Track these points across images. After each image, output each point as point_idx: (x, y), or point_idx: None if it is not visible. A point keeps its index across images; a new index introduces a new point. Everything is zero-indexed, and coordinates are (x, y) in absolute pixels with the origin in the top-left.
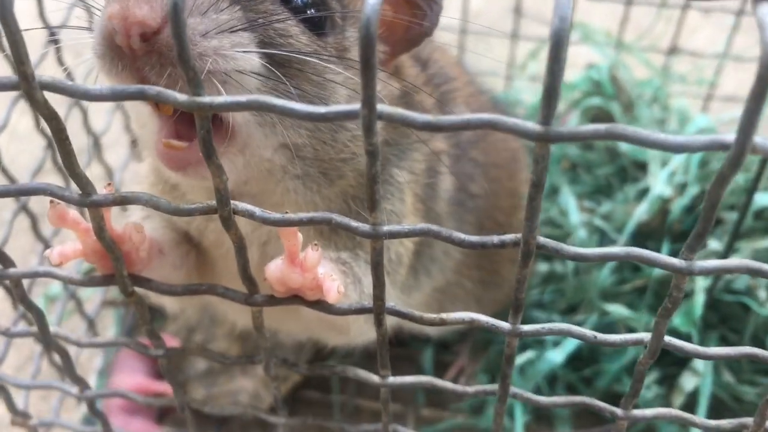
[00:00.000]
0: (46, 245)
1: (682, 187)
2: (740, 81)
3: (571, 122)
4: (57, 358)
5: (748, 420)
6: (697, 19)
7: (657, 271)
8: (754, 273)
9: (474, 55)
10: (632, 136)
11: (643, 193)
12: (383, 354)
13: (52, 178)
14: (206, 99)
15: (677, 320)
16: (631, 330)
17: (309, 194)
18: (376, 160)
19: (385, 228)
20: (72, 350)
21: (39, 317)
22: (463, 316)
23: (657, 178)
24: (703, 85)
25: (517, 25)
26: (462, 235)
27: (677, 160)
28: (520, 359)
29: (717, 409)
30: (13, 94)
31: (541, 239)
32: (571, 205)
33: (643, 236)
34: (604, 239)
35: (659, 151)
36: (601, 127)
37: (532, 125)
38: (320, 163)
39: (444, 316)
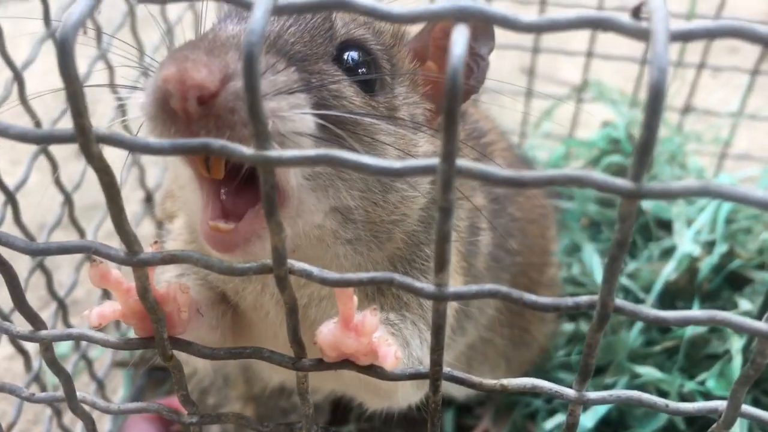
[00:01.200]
0: (60, 303)
1: (709, 246)
2: (754, 139)
3: None
4: (66, 420)
5: None
6: (710, 80)
7: (689, 332)
8: None
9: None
10: (729, 193)
11: (668, 251)
12: (435, 423)
13: (64, 233)
14: (274, 153)
15: (711, 383)
16: (663, 393)
17: (358, 258)
18: (450, 218)
19: (452, 289)
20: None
21: (67, 382)
22: (525, 382)
23: (683, 236)
24: (719, 143)
25: (531, 83)
26: (533, 297)
27: (703, 218)
28: (550, 424)
29: None
30: (33, 148)
31: (619, 302)
32: (595, 263)
33: (670, 295)
34: (629, 298)
35: (684, 209)
36: (694, 183)
37: (623, 182)
38: (371, 226)
39: (505, 382)
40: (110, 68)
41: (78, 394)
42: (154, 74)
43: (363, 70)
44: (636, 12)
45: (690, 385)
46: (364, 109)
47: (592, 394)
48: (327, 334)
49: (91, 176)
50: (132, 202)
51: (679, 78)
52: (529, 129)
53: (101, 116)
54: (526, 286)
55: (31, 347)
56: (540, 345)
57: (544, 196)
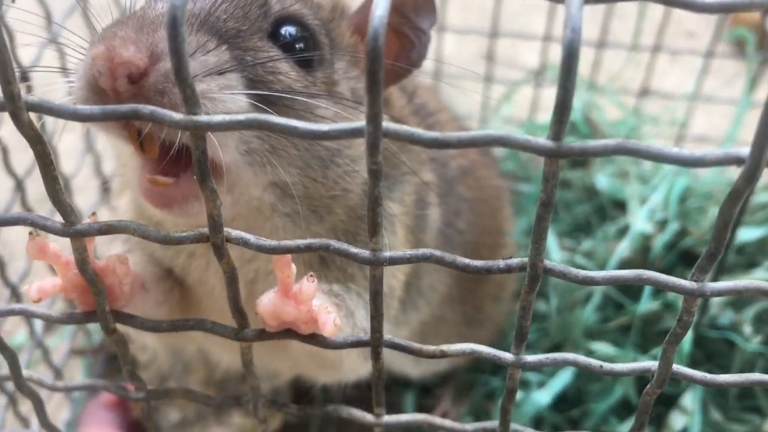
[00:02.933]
0: (13, 290)
1: (662, 224)
2: (710, 122)
3: None
4: (23, 409)
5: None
6: (666, 63)
7: (641, 309)
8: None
9: (448, 98)
10: (645, 150)
11: (623, 230)
12: (379, 391)
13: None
14: (203, 118)
15: None
16: None
17: (298, 231)
18: (379, 180)
19: (387, 254)
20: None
21: (12, 359)
22: (464, 347)
23: (637, 215)
24: (675, 125)
25: (490, 68)
26: (466, 260)
27: (656, 197)
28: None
29: None
30: None
31: (548, 263)
32: (551, 244)
33: None
34: None
35: (637, 189)
36: (611, 142)
37: (544, 141)
38: (310, 201)
39: (444, 348)
40: (61, 54)
41: (24, 372)
42: (83, 56)
43: (300, 45)
44: None
45: (643, 359)
46: (301, 84)
47: (530, 358)
48: (267, 303)
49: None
50: (89, 190)
51: (635, 62)
52: (489, 114)
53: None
54: None
55: None
56: (494, 324)
57: (497, 177)
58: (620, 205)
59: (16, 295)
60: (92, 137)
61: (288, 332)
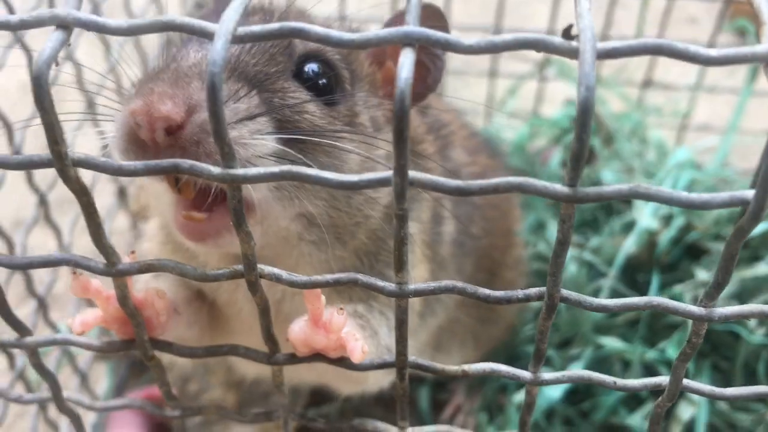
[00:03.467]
0: (40, 301)
1: (667, 220)
2: (712, 111)
3: (554, 157)
4: (52, 414)
5: None
6: None
7: None
8: None
9: (453, 93)
10: (655, 195)
11: (629, 226)
12: (403, 406)
13: (40, 230)
14: (240, 171)
15: (670, 350)
16: (626, 362)
17: (323, 256)
18: (405, 223)
19: (412, 287)
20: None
21: (53, 384)
22: (484, 367)
23: (643, 211)
24: (678, 116)
25: (494, 62)
26: (487, 291)
27: None
28: (519, 396)
29: None
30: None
31: (565, 292)
32: None
33: (632, 268)
34: (593, 272)
35: (643, 183)
36: (624, 187)
37: (561, 188)
38: (335, 229)
39: (465, 368)
40: (77, 66)
41: (64, 393)
42: (121, 108)
43: (323, 81)
44: (567, 32)
45: (651, 354)
46: (325, 120)
47: (547, 375)
48: (298, 331)
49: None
50: (106, 194)
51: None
52: (494, 108)
53: (69, 110)
54: (490, 268)
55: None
56: (507, 321)
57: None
58: (627, 201)
59: (43, 306)
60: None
61: (317, 356)
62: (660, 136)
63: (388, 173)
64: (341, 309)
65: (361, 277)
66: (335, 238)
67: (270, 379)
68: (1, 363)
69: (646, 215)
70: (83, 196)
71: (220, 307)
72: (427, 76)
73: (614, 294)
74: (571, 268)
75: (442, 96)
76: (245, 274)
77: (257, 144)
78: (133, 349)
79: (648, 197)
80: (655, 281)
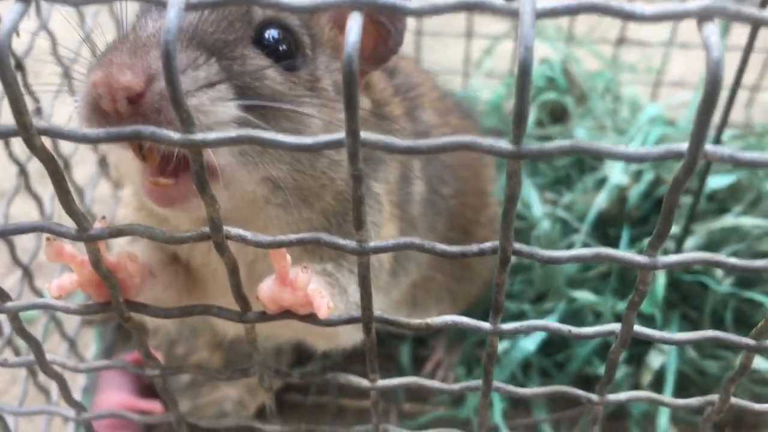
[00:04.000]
0: (25, 270)
1: (637, 175)
2: (687, 66)
3: (529, 116)
4: (42, 379)
5: (714, 397)
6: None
7: None
8: (713, 264)
9: (430, 54)
10: (595, 149)
11: (601, 182)
12: (372, 359)
13: (22, 200)
14: (199, 136)
15: (644, 306)
16: (599, 314)
17: (290, 218)
18: (361, 183)
19: (371, 244)
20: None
21: (37, 348)
22: (446, 319)
23: (613, 167)
24: (652, 72)
25: (470, 23)
26: (444, 246)
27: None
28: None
29: (683, 384)
30: None
31: (517, 245)
32: (533, 198)
33: (604, 223)
34: (566, 229)
35: (614, 141)
36: (566, 143)
37: (506, 145)
38: (300, 192)
39: (429, 321)
40: (52, 37)
41: (48, 356)
42: (84, 79)
43: (283, 47)
44: None
45: (622, 306)
46: (286, 86)
47: (506, 326)
48: (266, 290)
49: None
50: (88, 163)
51: None
52: (471, 68)
53: (47, 78)
54: (464, 226)
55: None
56: (483, 279)
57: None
58: (599, 158)
59: (28, 274)
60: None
61: (287, 313)
62: (634, 92)
63: (341, 135)
64: (305, 267)
65: (324, 236)
66: (301, 200)
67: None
68: None
69: (616, 171)
70: (50, 163)
71: (195, 270)
72: (388, 39)
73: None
74: (544, 225)
75: (414, 59)
76: (212, 236)
77: (218, 111)
78: (110, 311)
79: (588, 152)
80: (625, 235)
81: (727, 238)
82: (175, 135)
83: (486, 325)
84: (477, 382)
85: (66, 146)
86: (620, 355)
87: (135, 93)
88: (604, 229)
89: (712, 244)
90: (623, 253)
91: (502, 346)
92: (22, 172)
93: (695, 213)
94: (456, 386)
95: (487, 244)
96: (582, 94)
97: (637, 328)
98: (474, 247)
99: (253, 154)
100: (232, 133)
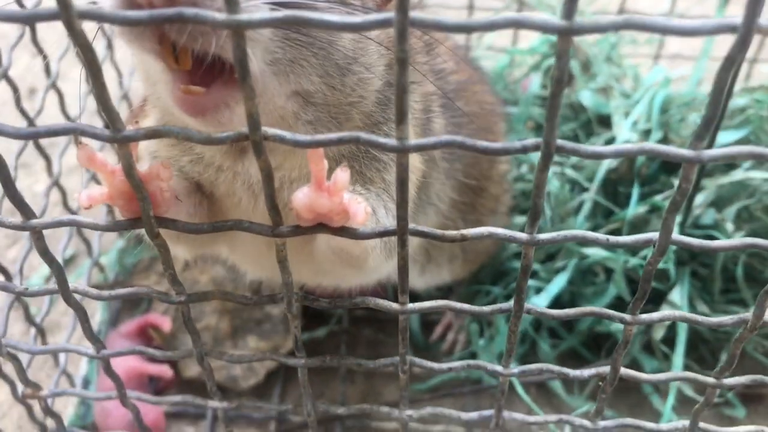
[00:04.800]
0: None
1: (645, 134)
2: (684, 40)
3: (533, 84)
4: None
5: (747, 315)
6: None
7: (630, 214)
8: (757, 158)
9: None
10: (650, 24)
11: (608, 143)
12: (404, 278)
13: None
14: (244, 16)
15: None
16: (610, 271)
17: None
18: (406, 68)
19: (412, 141)
20: (64, 334)
21: (59, 273)
22: (482, 230)
23: (622, 127)
24: (652, 44)
25: None
26: (485, 143)
27: (639, 109)
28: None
29: (694, 340)
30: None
31: (560, 141)
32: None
33: (612, 183)
34: (576, 188)
35: (621, 102)
36: (619, 18)
37: (557, 20)
38: (330, 108)
39: (464, 232)
40: None
41: (70, 284)
42: None
43: None
44: None
45: (633, 261)
46: None
47: (543, 236)
48: (302, 197)
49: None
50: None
51: None
52: (473, 42)
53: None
54: (477, 178)
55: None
56: (491, 240)
57: (490, 92)
58: (605, 121)
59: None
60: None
61: (320, 226)
62: (634, 64)
63: (390, 13)
64: (345, 166)
65: (363, 135)
66: (331, 117)
67: (268, 280)
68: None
69: (625, 130)
70: (88, 52)
71: (218, 200)
72: None
73: (596, 207)
74: (554, 183)
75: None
76: (250, 134)
77: (252, 10)
78: (139, 227)
79: (642, 27)
80: (635, 193)
81: (737, 193)
82: (219, 15)
83: (522, 235)
84: (508, 304)
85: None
86: (656, 266)
87: None
88: (614, 188)
89: (722, 199)
90: (668, 147)
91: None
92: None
93: (703, 170)
94: (487, 308)
95: (530, 141)
96: (586, 60)
97: (676, 236)
98: (516, 143)
99: (284, 63)
100: (279, 13)
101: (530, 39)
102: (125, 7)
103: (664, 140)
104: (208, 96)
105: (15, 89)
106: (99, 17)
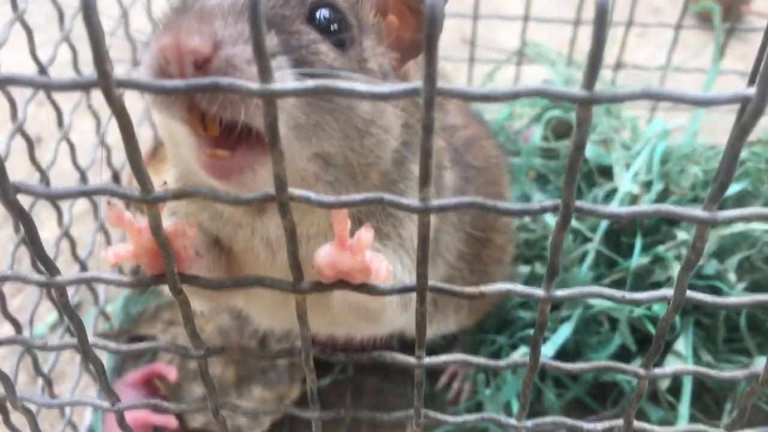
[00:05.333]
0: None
1: (647, 185)
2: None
3: (534, 135)
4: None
5: (759, 369)
6: (636, 39)
7: (633, 264)
8: None
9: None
10: (668, 94)
11: (610, 194)
12: (421, 333)
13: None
14: (277, 85)
15: (656, 307)
16: (614, 321)
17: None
18: (432, 134)
19: (435, 202)
20: (70, 383)
21: (79, 326)
22: (500, 287)
23: (623, 178)
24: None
25: (472, 50)
26: (505, 204)
27: (639, 161)
28: (514, 355)
29: (698, 390)
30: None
31: (578, 203)
32: None
33: (615, 233)
34: (578, 238)
35: (622, 154)
36: (637, 89)
37: (578, 90)
38: (349, 169)
39: (483, 288)
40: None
41: (90, 338)
42: (149, 47)
43: (334, 27)
44: None
45: (638, 311)
46: (338, 62)
47: (559, 292)
48: (324, 255)
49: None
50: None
51: (609, 38)
52: None
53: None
54: (483, 229)
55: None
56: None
57: (495, 146)
58: (606, 171)
59: (81, 265)
60: (102, 132)
61: (341, 283)
62: (633, 116)
63: (417, 83)
64: (368, 226)
65: (386, 196)
66: (350, 178)
67: (280, 330)
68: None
69: (626, 181)
70: (123, 117)
71: (237, 255)
72: (418, 31)
73: (600, 257)
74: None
75: None
76: (276, 194)
77: (278, 80)
78: (162, 283)
79: (660, 97)
80: (638, 243)
81: (739, 244)
82: (253, 85)
83: (539, 292)
84: (524, 358)
85: (84, 160)
86: (670, 322)
87: (203, 57)
88: (617, 238)
89: (724, 249)
90: (682, 208)
91: (520, 352)
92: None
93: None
94: (502, 363)
95: (548, 202)
96: None
97: (690, 293)
98: (535, 205)
99: (307, 128)
100: (310, 83)
101: None
102: (158, 77)
103: (665, 192)
104: (234, 160)
105: (29, 141)
106: (137, 86)
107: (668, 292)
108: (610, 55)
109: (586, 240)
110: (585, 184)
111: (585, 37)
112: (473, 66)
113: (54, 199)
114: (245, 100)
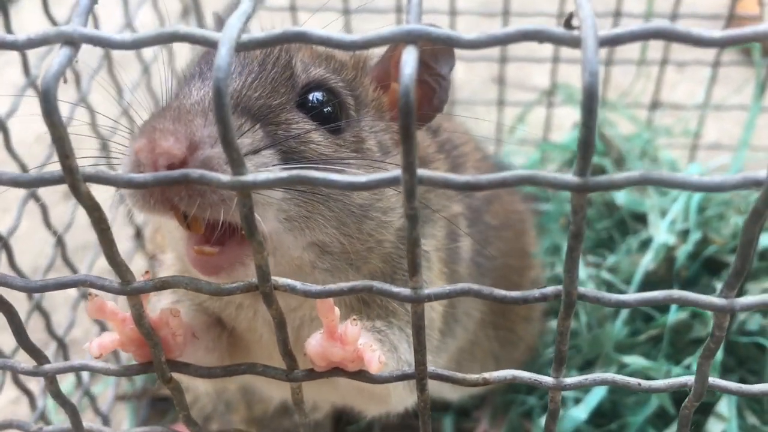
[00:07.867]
0: (59, 342)
1: (684, 234)
2: (722, 129)
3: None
4: None
5: None
6: (674, 74)
7: (671, 319)
8: None
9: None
10: (667, 179)
11: (645, 243)
12: (426, 420)
13: (58, 274)
14: (249, 177)
15: (695, 366)
16: (651, 379)
17: (338, 282)
18: (416, 224)
19: (426, 291)
20: None
21: (73, 413)
22: (505, 374)
23: (658, 227)
24: (688, 135)
25: (502, 92)
26: (503, 292)
27: (676, 208)
28: (544, 418)
29: None
30: (21, 194)
31: (582, 289)
32: None
33: (651, 285)
34: (612, 291)
35: (656, 201)
36: (635, 174)
37: (571, 178)
38: (347, 256)
39: (486, 375)
40: (91, 110)
41: (84, 424)
42: (128, 147)
43: (328, 109)
44: (568, 22)
45: (676, 370)
46: (331, 149)
47: (569, 380)
48: (315, 345)
49: (81, 217)
50: (122, 239)
51: (645, 76)
52: (504, 136)
53: (86, 154)
54: (507, 289)
55: (35, 387)
56: (527, 344)
57: (520, 202)
58: (640, 218)
59: (62, 346)
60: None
61: (336, 370)
62: (671, 156)
63: (397, 172)
64: (354, 319)
65: (375, 284)
66: (348, 264)
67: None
68: (23, 409)
69: (662, 231)
70: (95, 211)
71: (239, 335)
72: (433, 97)
73: (635, 312)
74: (589, 286)
75: (454, 118)
76: (259, 285)
77: (263, 167)
78: (151, 371)
79: (659, 182)
80: None
81: None
82: (224, 177)
83: (548, 380)
84: None
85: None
86: (693, 410)
87: (177, 159)
88: (652, 291)
89: None
90: (698, 295)
91: None
92: (60, 242)
93: (748, 273)
94: None
95: (549, 289)
96: (620, 156)
97: (713, 380)
98: (535, 292)
99: (298, 219)
100: (283, 173)
101: (563, 130)
102: (132, 171)
103: (704, 241)
104: (223, 256)
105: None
106: (104, 180)
107: (689, 378)
108: (646, 94)
109: (621, 292)
110: (618, 232)
111: (619, 75)
112: (504, 109)
113: (31, 292)
114: (225, 201)
